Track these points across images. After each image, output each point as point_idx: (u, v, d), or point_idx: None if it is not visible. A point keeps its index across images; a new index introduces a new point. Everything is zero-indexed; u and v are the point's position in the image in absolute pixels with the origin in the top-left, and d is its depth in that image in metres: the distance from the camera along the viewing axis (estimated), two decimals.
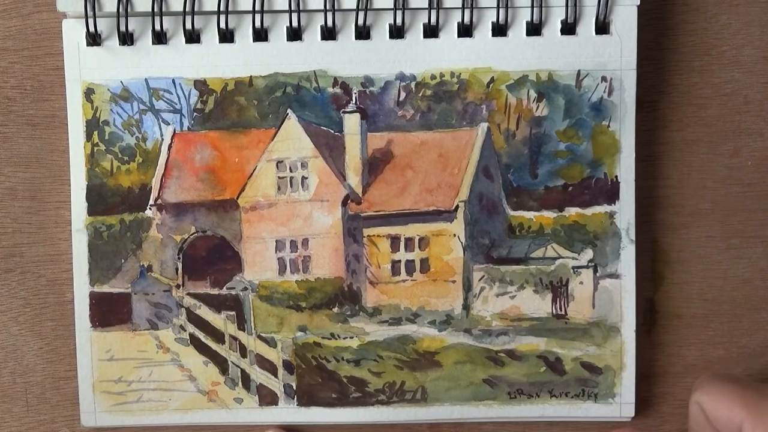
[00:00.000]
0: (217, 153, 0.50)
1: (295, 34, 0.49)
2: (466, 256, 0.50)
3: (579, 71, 0.49)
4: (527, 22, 0.49)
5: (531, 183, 0.50)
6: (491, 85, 0.49)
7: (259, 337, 0.51)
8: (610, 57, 0.49)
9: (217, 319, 0.51)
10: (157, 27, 0.48)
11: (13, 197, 0.51)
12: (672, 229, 0.52)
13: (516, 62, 0.49)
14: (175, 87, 0.49)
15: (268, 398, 0.51)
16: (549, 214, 0.50)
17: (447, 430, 0.52)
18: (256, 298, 0.50)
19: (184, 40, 0.49)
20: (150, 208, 0.50)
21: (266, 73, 0.49)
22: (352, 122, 0.50)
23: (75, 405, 0.51)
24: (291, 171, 0.50)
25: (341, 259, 0.50)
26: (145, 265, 0.50)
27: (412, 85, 0.49)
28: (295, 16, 0.49)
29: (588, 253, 0.50)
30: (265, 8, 0.48)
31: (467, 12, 0.49)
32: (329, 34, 0.49)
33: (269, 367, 0.51)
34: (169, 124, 0.50)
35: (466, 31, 0.49)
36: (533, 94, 0.49)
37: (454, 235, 0.50)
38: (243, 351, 0.51)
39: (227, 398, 0.51)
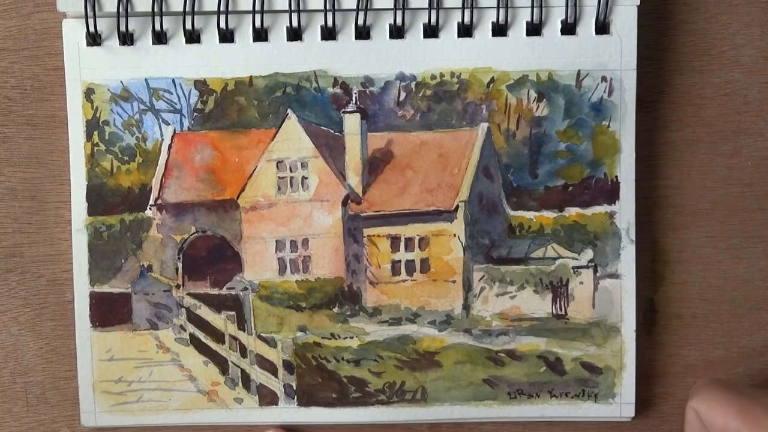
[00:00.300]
0: (217, 153, 0.50)
1: (295, 34, 0.49)
2: (466, 256, 0.50)
3: (579, 71, 0.49)
4: (527, 22, 0.49)
5: (531, 183, 0.50)
6: (491, 85, 0.49)
7: (259, 337, 0.51)
8: (610, 57, 0.49)
9: (217, 319, 0.51)
10: (157, 27, 0.48)
11: (13, 197, 0.51)
12: (672, 229, 0.52)
13: (516, 62, 0.49)
14: (175, 87, 0.49)
15: (268, 398, 0.51)
16: (549, 214, 0.50)
17: (447, 430, 0.52)
18: (256, 298, 0.50)
19: (184, 40, 0.49)
20: (150, 208, 0.50)
21: (266, 73, 0.49)
22: (352, 122, 0.50)
23: (75, 405, 0.51)
24: (291, 171, 0.50)
25: (341, 259, 0.50)
26: (145, 265, 0.50)
27: (412, 85, 0.49)
28: (295, 16, 0.49)
29: (588, 253, 0.50)
30: (265, 8, 0.48)
31: (467, 12, 0.49)
32: (329, 34, 0.49)
33: (269, 367, 0.51)
34: (169, 124, 0.50)
35: (466, 31, 0.49)
36: (533, 94, 0.49)
37: (454, 235, 0.50)
38: (243, 351, 0.51)
39: (227, 398, 0.51)
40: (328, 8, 0.48)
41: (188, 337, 0.51)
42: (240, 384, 0.51)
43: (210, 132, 0.50)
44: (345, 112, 0.50)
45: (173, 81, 0.49)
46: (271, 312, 0.50)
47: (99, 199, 0.50)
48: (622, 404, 0.51)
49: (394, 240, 0.50)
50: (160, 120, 0.50)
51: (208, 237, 0.50)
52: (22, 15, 0.51)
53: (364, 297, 0.50)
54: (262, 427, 0.51)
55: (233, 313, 0.51)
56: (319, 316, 0.50)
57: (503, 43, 0.49)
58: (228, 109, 0.50)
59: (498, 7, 0.48)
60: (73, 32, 0.49)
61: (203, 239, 0.50)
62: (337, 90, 0.49)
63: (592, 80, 0.49)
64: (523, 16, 0.49)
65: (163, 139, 0.50)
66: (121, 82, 0.49)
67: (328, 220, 0.50)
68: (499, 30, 0.49)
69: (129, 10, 0.48)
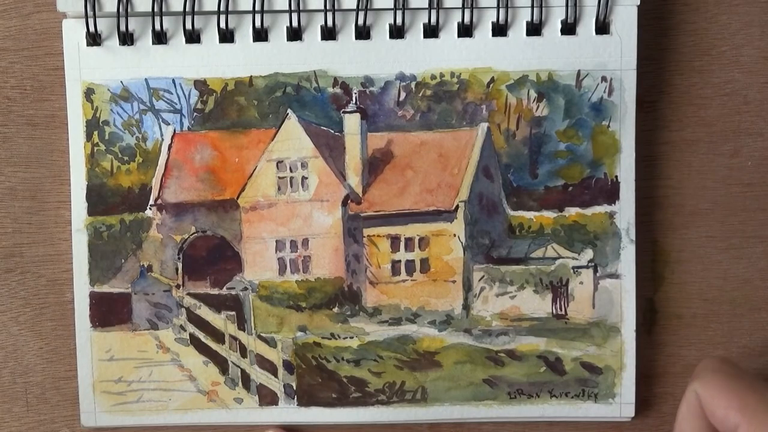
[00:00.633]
0: (217, 153, 0.50)
1: (295, 34, 0.49)
2: (466, 256, 0.50)
3: (579, 71, 0.49)
4: (527, 22, 0.49)
5: (531, 183, 0.50)
6: (491, 85, 0.49)
7: (259, 337, 0.51)
8: (610, 57, 0.49)
9: (217, 319, 0.51)
10: (157, 27, 0.48)
11: (13, 197, 0.51)
12: (672, 229, 0.52)
13: (516, 62, 0.49)
14: (175, 87, 0.49)
15: (268, 398, 0.51)
16: (549, 214, 0.50)
17: (447, 430, 0.52)
18: (256, 298, 0.50)
19: (184, 40, 0.49)
20: (150, 208, 0.50)
21: (266, 73, 0.49)
22: (352, 122, 0.50)
23: (75, 405, 0.51)
24: (291, 171, 0.50)
25: (341, 259, 0.50)
26: (145, 265, 0.50)
27: (412, 85, 0.49)
28: (295, 16, 0.49)
29: (588, 253, 0.50)
30: (265, 8, 0.48)
31: (467, 12, 0.49)
32: (329, 34, 0.49)
33: (269, 367, 0.51)
34: (169, 124, 0.50)
35: (466, 31, 0.49)
36: (533, 94, 0.49)
37: (454, 235, 0.50)
38: (243, 351, 0.51)
39: (227, 398, 0.51)
40: (328, 8, 0.48)
41: (188, 337, 0.51)
42: (240, 384, 0.51)
43: (210, 132, 0.50)
44: (345, 112, 0.50)
45: (173, 81, 0.49)
46: (271, 312, 0.50)
47: (99, 199, 0.50)
48: (622, 404, 0.51)
49: (394, 240, 0.50)
50: (160, 120, 0.50)
51: (208, 237, 0.50)
52: (22, 15, 0.51)
53: (364, 297, 0.50)
54: (262, 427, 0.51)
55: (233, 313, 0.51)
56: (319, 316, 0.50)
57: (503, 43, 0.49)
58: (228, 109, 0.50)
59: (498, 7, 0.48)
60: (73, 32, 0.49)
61: (203, 239, 0.50)
62: (337, 90, 0.49)
63: (592, 80, 0.49)
64: (523, 16, 0.49)
65: (163, 139, 0.50)
66: (121, 82, 0.49)
67: (328, 220, 0.50)
68: (499, 30, 0.49)
69: (129, 10, 0.48)
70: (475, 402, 0.51)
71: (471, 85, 0.49)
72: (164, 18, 0.48)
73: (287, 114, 0.50)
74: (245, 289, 0.50)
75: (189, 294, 0.50)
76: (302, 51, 0.49)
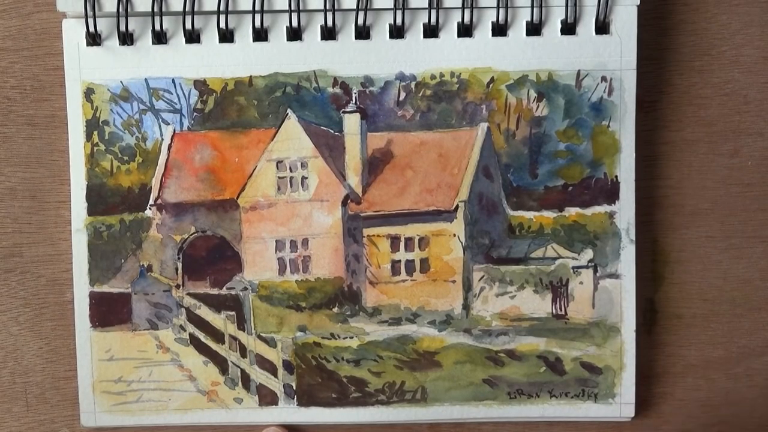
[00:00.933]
0: (217, 153, 0.50)
1: (295, 34, 0.49)
2: (466, 256, 0.50)
3: (579, 71, 0.49)
4: (527, 22, 0.49)
5: (531, 183, 0.50)
6: (491, 85, 0.49)
7: (259, 337, 0.51)
8: (610, 57, 0.49)
9: (217, 319, 0.51)
10: (157, 27, 0.48)
11: (13, 197, 0.51)
12: (672, 229, 0.52)
13: (516, 62, 0.49)
14: (175, 87, 0.49)
15: (268, 398, 0.51)
16: (549, 214, 0.50)
17: (447, 430, 0.52)
18: (256, 298, 0.50)
19: (184, 40, 0.49)
20: (150, 208, 0.50)
21: (266, 73, 0.49)
22: (352, 122, 0.50)
23: (75, 405, 0.51)
24: (291, 171, 0.50)
25: (341, 259, 0.50)
26: (145, 265, 0.50)
27: (412, 85, 0.49)
28: (295, 16, 0.49)
29: (588, 253, 0.50)
30: (265, 8, 0.48)
31: (467, 12, 0.49)
32: (329, 34, 0.49)
33: (269, 367, 0.51)
34: (169, 124, 0.50)
35: (466, 31, 0.49)
36: (533, 94, 0.49)
37: (454, 235, 0.50)
38: (243, 351, 0.51)
39: (227, 398, 0.51)
40: (328, 8, 0.48)
41: (188, 337, 0.51)
42: (240, 384, 0.51)
43: (210, 132, 0.50)
44: (345, 112, 0.50)
45: (173, 81, 0.49)
46: (271, 312, 0.50)
47: (99, 199, 0.50)
48: (622, 404, 0.51)
49: (394, 240, 0.50)
50: (160, 120, 0.50)
51: (208, 237, 0.50)
52: (22, 15, 0.51)
53: (364, 297, 0.50)
54: (262, 427, 0.51)
55: (233, 313, 0.51)
56: (319, 316, 0.50)
57: (503, 43, 0.49)
58: (228, 109, 0.50)
59: (498, 7, 0.48)
60: (73, 32, 0.49)
61: (203, 239, 0.50)
62: (337, 90, 0.49)
63: (592, 80, 0.49)
64: (523, 16, 0.49)
65: (162, 139, 0.50)
66: (121, 82, 0.49)
67: (327, 220, 0.50)
68: (499, 30, 0.49)
69: (129, 10, 0.48)
70: (475, 402, 0.51)
71: (471, 85, 0.49)
72: (164, 18, 0.48)
73: (287, 114, 0.50)
74: (245, 289, 0.50)
75: (189, 294, 0.50)
76: (302, 51, 0.49)
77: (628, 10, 0.49)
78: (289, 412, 0.51)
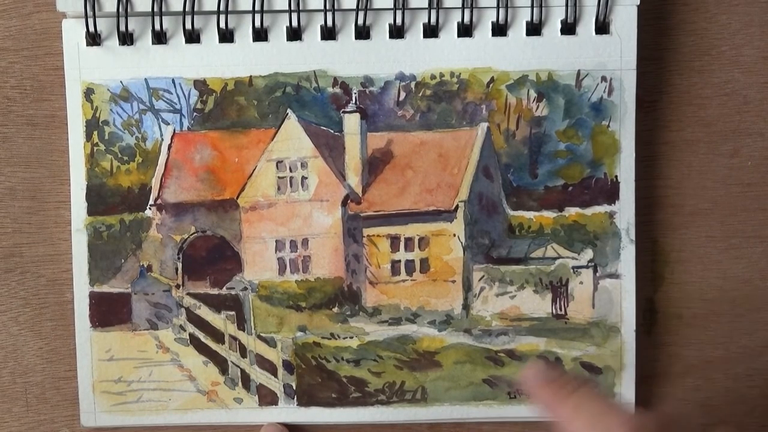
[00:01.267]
0: (217, 153, 0.50)
1: (295, 34, 0.49)
2: (466, 256, 0.50)
3: (579, 71, 0.49)
4: (527, 22, 0.49)
5: (531, 183, 0.50)
6: (491, 85, 0.49)
7: (259, 337, 0.51)
8: (610, 57, 0.49)
9: (217, 319, 0.51)
10: (157, 27, 0.48)
11: (13, 197, 0.51)
12: (672, 229, 0.52)
13: (516, 62, 0.49)
14: (175, 87, 0.49)
15: (268, 398, 0.51)
16: (549, 214, 0.50)
17: (447, 430, 0.52)
18: (256, 298, 0.50)
19: (184, 40, 0.49)
20: (150, 208, 0.50)
21: (266, 73, 0.49)
22: (352, 122, 0.50)
23: (75, 405, 0.51)
24: (291, 171, 0.50)
25: (341, 259, 0.50)
26: (145, 265, 0.50)
27: (412, 85, 0.49)
28: (295, 16, 0.49)
29: (588, 253, 0.50)
30: (265, 8, 0.48)
31: (467, 12, 0.49)
32: (329, 34, 0.49)
33: (269, 367, 0.51)
34: (169, 124, 0.50)
35: (466, 31, 0.49)
36: (533, 94, 0.49)
37: (454, 235, 0.50)
38: (243, 351, 0.51)
39: (227, 398, 0.51)
40: (328, 8, 0.48)
41: (188, 337, 0.51)
42: (240, 384, 0.51)
43: (210, 132, 0.50)
44: (345, 112, 0.50)
45: (173, 81, 0.49)
46: (271, 312, 0.50)
47: (99, 199, 0.50)
48: (622, 404, 0.51)
49: (394, 240, 0.50)
50: (160, 120, 0.50)
51: (207, 237, 0.50)
52: (22, 15, 0.51)
53: (364, 297, 0.50)
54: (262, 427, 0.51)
55: (233, 313, 0.51)
56: (318, 316, 0.50)
57: (503, 43, 0.49)
58: (228, 109, 0.50)
59: (498, 7, 0.48)
60: (73, 32, 0.49)
61: (203, 239, 0.50)
62: (337, 90, 0.49)
63: (591, 80, 0.49)
64: (523, 16, 0.49)
65: (162, 139, 0.50)
66: (121, 82, 0.49)
67: (327, 220, 0.50)
68: (499, 30, 0.49)
69: (129, 10, 0.48)
70: (475, 402, 0.51)
71: (471, 85, 0.49)
72: (164, 18, 0.48)
73: (287, 114, 0.50)
74: (245, 289, 0.50)
75: (189, 294, 0.50)
76: (302, 51, 0.49)
77: (628, 10, 0.49)
78: (289, 412, 0.51)
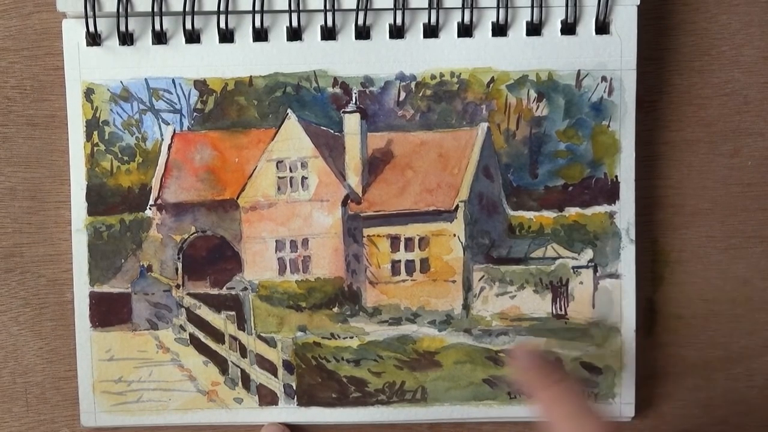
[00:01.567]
0: (217, 153, 0.50)
1: (295, 34, 0.49)
2: (466, 256, 0.50)
3: (579, 71, 0.49)
4: (527, 22, 0.49)
5: (531, 183, 0.50)
6: (491, 85, 0.49)
7: (259, 337, 0.51)
8: (610, 57, 0.49)
9: (217, 319, 0.51)
10: (157, 27, 0.48)
11: (13, 197, 0.51)
12: (672, 229, 0.52)
13: (516, 62, 0.49)
14: (175, 87, 0.49)
15: (268, 398, 0.51)
16: (549, 214, 0.50)
17: (447, 430, 0.52)
18: (256, 298, 0.50)
19: (184, 40, 0.49)
20: (150, 208, 0.50)
21: (266, 73, 0.49)
22: (352, 122, 0.50)
23: (75, 405, 0.51)
24: (291, 171, 0.50)
25: (341, 259, 0.50)
26: (145, 265, 0.50)
27: (412, 85, 0.49)
28: (295, 16, 0.49)
29: (588, 253, 0.50)
30: (265, 8, 0.48)
31: (467, 12, 0.49)
32: (329, 34, 0.49)
33: (269, 367, 0.51)
34: (169, 124, 0.50)
35: (466, 31, 0.49)
36: (533, 94, 0.49)
37: (454, 235, 0.50)
38: (243, 351, 0.51)
39: (227, 398, 0.51)
40: (328, 8, 0.48)
41: (188, 337, 0.51)
42: (240, 384, 0.51)
43: (210, 132, 0.50)
44: (345, 112, 0.50)
45: (173, 81, 0.49)
46: (271, 312, 0.50)
47: (99, 199, 0.50)
48: (622, 404, 0.51)
49: (394, 240, 0.50)
50: (160, 120, 0.50)
51: (208, 237, 0.50)
52: (22, 15, 0.51)
53: (364, 297, 0.50)
54: (262, 427, 0.51)
55: (233, 313, 0.51)
56: (319, 316, 0.50)
57: (503, 43, 0.49)
58: (228, 109, 0.50)
59: (498, 7, 0.48)
60: (73, 32, 0.49)
61: (203, 239, 0.50)
62: (337, 90, 0.49)
63: (592, 80, 0.49)
64: (523, 16, 0.49)
65: (163, 139, 0.50)
66: (121, 82, 0.49)
67: (328, 220, 0.50)
68: (499, 30, 0.49)
69: (129, 10, 0.48)
70: (475, 402, 0.51)
71: (471, 85, 0.49)
72: (164, 18, 0.48)
73: (287, 114, 0.50)
74: (245, 289, 0.50)
75: (189, 294, 0.50)
76: (302, 51, 0.49)
77: (628, 10, 0.49)
78: (289, 412, 0.51)
